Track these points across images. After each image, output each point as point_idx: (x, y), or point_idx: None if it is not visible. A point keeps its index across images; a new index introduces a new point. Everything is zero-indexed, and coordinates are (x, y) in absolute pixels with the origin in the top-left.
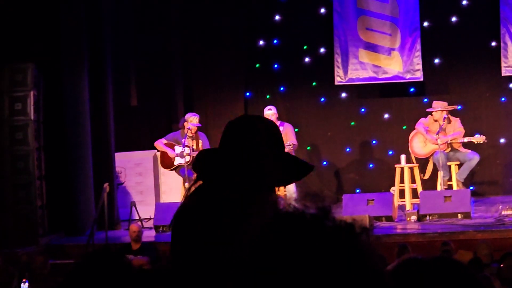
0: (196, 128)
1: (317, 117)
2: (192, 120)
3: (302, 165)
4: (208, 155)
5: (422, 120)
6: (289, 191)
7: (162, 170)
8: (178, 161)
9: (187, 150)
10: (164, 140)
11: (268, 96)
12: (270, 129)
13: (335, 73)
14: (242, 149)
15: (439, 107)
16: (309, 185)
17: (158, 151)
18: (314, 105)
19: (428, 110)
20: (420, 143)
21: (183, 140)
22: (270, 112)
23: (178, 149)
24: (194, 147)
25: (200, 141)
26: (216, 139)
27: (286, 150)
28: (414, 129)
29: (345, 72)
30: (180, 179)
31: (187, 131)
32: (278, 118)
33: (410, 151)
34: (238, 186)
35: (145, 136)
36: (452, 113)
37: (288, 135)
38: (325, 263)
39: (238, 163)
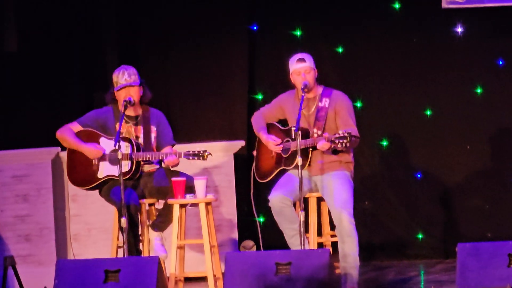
0: (136, 98)
1: (402, 78)
2: (119, 81)
3: None
4: None
5: None
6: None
7: (72, 188)
8: (106, 170)
9: (125, 147)
10: (77, 126)
11: (297, 32)
12: None
13: None
14: None
15: None
16: (381, 218)
17: (63, 149)
18: (397, 52)
19: None
20: None
21: (116, 126)
22: (301, 67)
23: (105, 144)
24: (140, 139)
25: (152, 128)
26: (186, 122)
27: (338, 147)
28: None
29: None
30: (110, 209)
31: (124, 107)
32: (319, 80)
33: None
34: None
35: (36, 118)
36: None
37: (340, 116)
38: None
39: None
